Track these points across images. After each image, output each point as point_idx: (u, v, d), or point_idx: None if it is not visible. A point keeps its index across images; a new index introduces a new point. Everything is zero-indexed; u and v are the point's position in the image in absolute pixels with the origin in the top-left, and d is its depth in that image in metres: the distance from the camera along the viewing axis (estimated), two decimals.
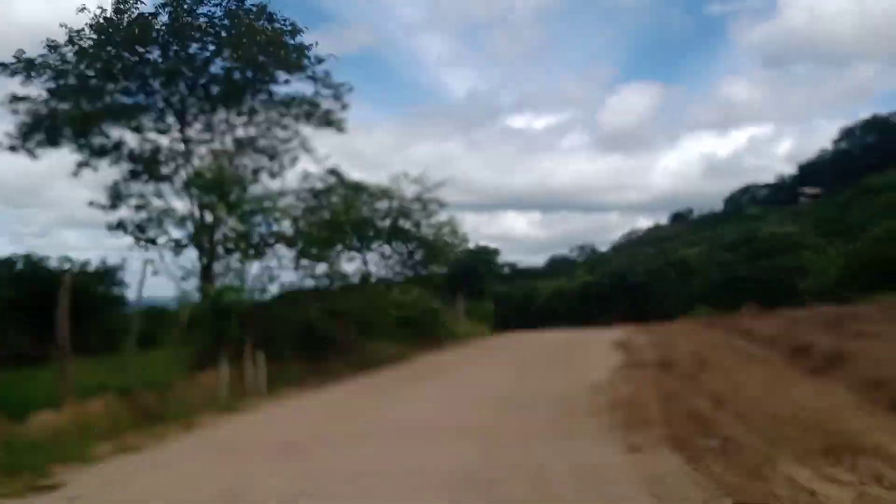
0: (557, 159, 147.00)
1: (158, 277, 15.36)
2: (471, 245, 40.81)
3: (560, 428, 8.28)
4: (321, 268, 18.78)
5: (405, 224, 25.14)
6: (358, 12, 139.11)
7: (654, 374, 13.75)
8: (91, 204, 17.71)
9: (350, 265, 24.56)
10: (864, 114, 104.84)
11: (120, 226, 17.44)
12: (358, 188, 22.94)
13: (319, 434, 8.81)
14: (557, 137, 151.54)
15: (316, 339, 16.52)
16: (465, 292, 39.65)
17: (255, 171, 18.95)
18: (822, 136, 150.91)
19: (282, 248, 17.07)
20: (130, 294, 21.66)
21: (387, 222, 24.89)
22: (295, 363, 15.49)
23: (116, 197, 17.56)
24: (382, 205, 24.45)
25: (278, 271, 16.94)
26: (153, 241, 16.91)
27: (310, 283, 18.84)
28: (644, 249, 62.37)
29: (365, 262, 25.35)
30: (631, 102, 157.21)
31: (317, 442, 8.19)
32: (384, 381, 15.60)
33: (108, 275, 23.54)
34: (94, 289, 22.22)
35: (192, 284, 15.89)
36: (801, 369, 11.47)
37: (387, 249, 25.79)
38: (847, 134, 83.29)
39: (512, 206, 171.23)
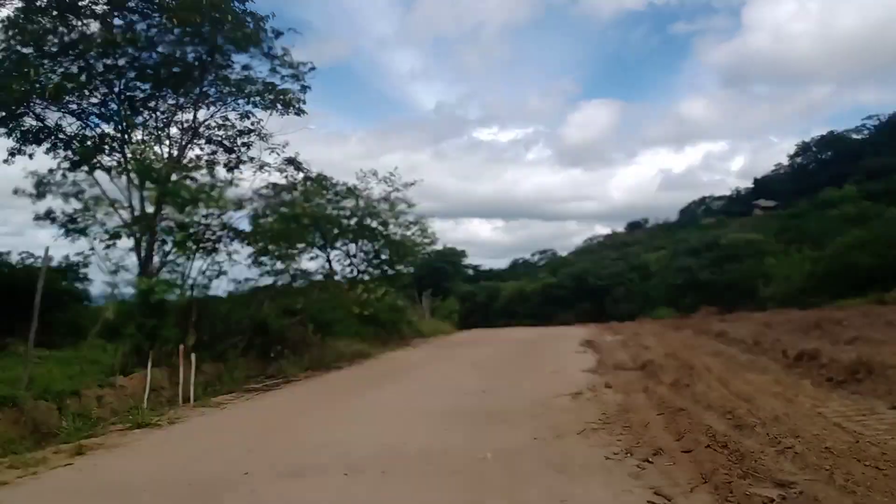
0: (521, 171, 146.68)
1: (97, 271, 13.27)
2: (438, 246, 39.05)
3: (551, 456, 6.29)
4: (281, 265, 16.68)
5: (372, 223, 23.13)
6: (332, 26, 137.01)
7: (638, 379, 11.97)
8: (16, 192, 15.30)
9: (313, 263, 22.54)
10: (816, 133, 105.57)
11: (48, 216, 15.06)
12: (320, 181, 20.83)
13: (238, 467, 6.37)
14: (521, 150, 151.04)
15: (269, 338, 14.46)
16: (431, 291, 37.79)
17: (211, 163, 16.75)
18: (773, 154, 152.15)
19: (235, 243, 14.97)
20: (95, 289, 19.53)
21: (353, 221, 22.87)
22: (243, 364, 13.41)
23: (43, 185, 15.13)
24: (348, 203, 22.42)
25: (230, 266, 14.83)
26: (83, 232, 14.54)
27: (268, 280, 16.76)
28: (606, 254, 61.12)
29: (329, 261, 23.31)
30: (592, 118, 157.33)
31: (230, 483, 5.78)
32: (340, 382, 13.52)
33: (70, 270, 21.47)
34: (59, 284, 20.20)
35: (128, 279, 13.65)
36: (814, 380, 9.70)
37: (352, 248, 23.79)
38: (804, 149, 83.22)
39: (476, 214, 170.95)
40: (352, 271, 23.58)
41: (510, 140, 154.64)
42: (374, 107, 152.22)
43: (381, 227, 22.94)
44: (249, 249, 15.35)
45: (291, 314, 15.63)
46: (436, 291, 38.26)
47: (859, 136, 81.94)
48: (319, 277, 22.49)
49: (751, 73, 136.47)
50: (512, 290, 64.50)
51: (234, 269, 15.54)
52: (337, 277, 23.53)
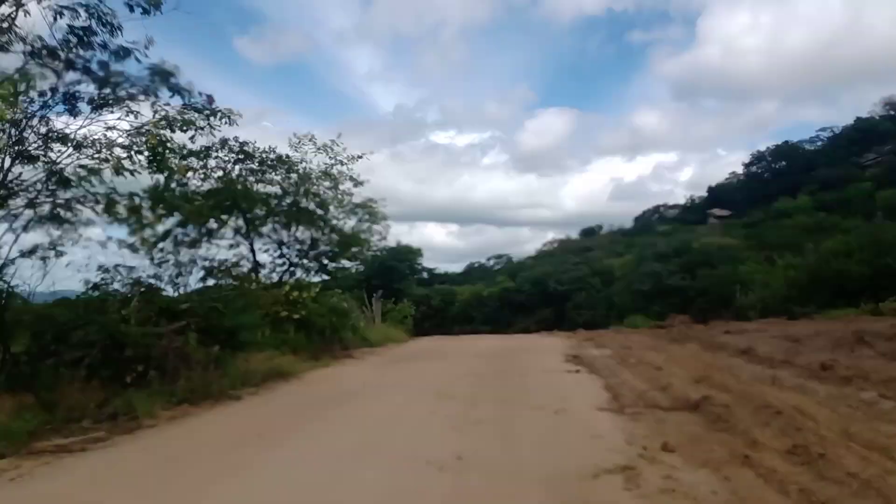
0: (477, 175, 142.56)
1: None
2: (391, 243, 34.05)
3: None
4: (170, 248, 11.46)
5: (308, 204, 17.94)
6: (290, 17, 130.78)
7: (706, 431, 7.18)
8: None
9: (231, 252, 17.29)
10: (761, 147, 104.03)
11: None
12: (228, 114, 15.57)
13: None
14: (478, 154, 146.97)
15: (128, 356, 9.20)
16: (382, 293, 32.66)
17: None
18: (721, 166, 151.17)
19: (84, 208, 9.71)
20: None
21: (284, 201, 17.68)
22: (74, 395, 8.13)
23: None
24: (277, 177, 17.21)
25: (81, 248, 9.59)
26: None
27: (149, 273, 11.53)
28: (567, 258, 56.92)
29: (252, 251, 18.03)
30: (548, 125, 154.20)
31: None
32: (212, 434, 8.00)
33: None
34: None
35: None
36: None
37: (285, 235, 18.55)
38: (758, 159, 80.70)
39: (432, 218, 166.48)
40: (284, 265, 18.37)
41: (467, 144, 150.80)
42: (332, 105, 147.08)
43: (319, 210, 17.72)
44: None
45: (172, 319, 10.38)
46: (388, 293, 33.14)
47: (812, 147, 79.82)
48: (241, 272, 17.30)
49: (701, 87, 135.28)
50: (469, 295, 59.68)
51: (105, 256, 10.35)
52: (267, 273, 18.34)
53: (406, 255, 33.05)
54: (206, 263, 15.78)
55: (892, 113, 75.64)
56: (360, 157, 17.94)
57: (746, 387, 10.03)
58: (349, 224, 19.22)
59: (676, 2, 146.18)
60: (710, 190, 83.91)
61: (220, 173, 15.75)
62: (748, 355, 14.52)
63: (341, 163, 17.63)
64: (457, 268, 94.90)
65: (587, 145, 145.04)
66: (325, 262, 18.57)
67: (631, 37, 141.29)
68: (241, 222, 16.68)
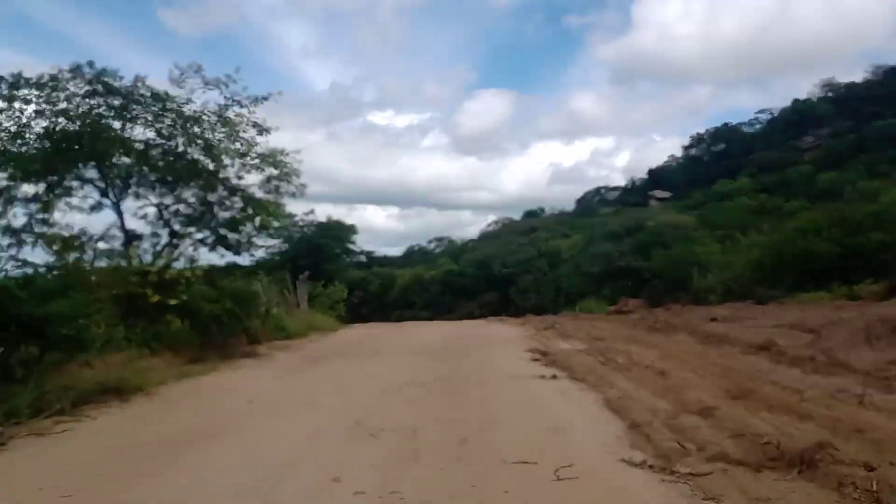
0: (417, 157, 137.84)
1: None
2: (320, 217, 29.70)
3: None
4: None
5: (193, 153, 13.40)
6: None
7: None
8: None
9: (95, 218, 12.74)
10: (697, 132, 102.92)
11: None
12: None
13: None
14: (417, 136, 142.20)
15: None
16: (309, 274, 28.30)
17: None
18: (655, 152, 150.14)
19: None
20: None
21: (160, 149, 13.14)
22: None
23: None
24: (146, 114, 12.62)
25: None
26: None
27: None
28: (512, 239, 53.47)
29: (119, 215, 13.44)
30: (487, 107, 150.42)
31: None
32: None
33: None
34: None
35: None
36: None
37: (170, 199, 14.00)
38: (697, 141, 78.99)
39: (371, 201, 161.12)
40: (165, 237, 13.86)
41: (406, 125, 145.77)
42: (263, 82, 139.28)
43: (209, 161, 13.21)
44: None
45: None
46: (316, 275, 28.77)
47: (751, 130, 78.61)
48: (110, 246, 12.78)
49: (638, 71, 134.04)
50: (409, 278, 55.70)
51: None
52: (146, 248, 13.78)
53: (337, 232, 28.70)
54: (47, 230, 11.23)
55: (831, 95, 74.79)
56: (264, 98, 13.52)
57: (839, 413, 6.32)
58: (253, 181, 14.67)
59: None
60: (651, 172, 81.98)
61: (65, 105, 11.21)
62: (770, 353, 10.94)
63: (239, 104, 13.18)
64: (397, 251, 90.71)
65: (526, 128, 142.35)
66: (224, 233, 14.09)
67: (568, 20, 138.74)
68: (97, 174, 12.16)
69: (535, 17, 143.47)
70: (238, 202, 13.87)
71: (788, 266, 28.01)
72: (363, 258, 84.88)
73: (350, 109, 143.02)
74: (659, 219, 40.19)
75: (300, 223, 28.96)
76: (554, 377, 9.54)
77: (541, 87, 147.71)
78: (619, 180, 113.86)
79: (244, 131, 13.30)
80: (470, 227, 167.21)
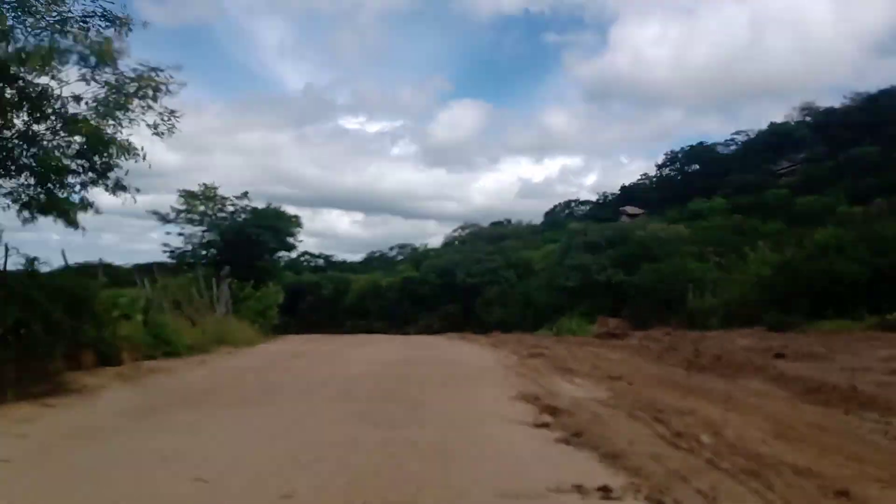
0: (385, 164, 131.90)
1: None
2: (252, 202, 24.05)
3: None
4: None
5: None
6: None
7: None
8: None
9: None
10: (668, 150, 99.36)
11: None
12: None
13: None
14: (388, 143, 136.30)
15: None
16: (231, 269, 22.75)
17: None
18: (621, 175, 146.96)
19: None
20: None
21: None
22: None
23: None
24: None
25: None
26: None
27: None
28: (479, 247, 48.36)
29: None
30: (460, 119, 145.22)
31: None
32: None
33: None
34: None
35: None
36: None
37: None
38: (671, 160, 75.11)
39: (336, 205, 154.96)
40: None
41: (377, 132, 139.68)
42: (236, 79, 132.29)
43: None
44: None
45: None
46: (246, 273, 23.13)
47: (726, 151, 75.16)
48: None
49: (611, 92, 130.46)
50: (365, 284, 50.07)
51: None
52: None
53: (275, 222, 23.10)
54: None
55: (809, 119, 71.73)
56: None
57: None
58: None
59: (591, 9, 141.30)
60: (623, 188, 77.74)
61: None
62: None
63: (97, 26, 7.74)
64: (358, 257, 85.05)
65: (497, 142, 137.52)
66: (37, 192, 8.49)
67: (546, 37, 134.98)
68: None
69: (514, 32, 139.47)
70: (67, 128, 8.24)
71: (805, 287, 23.39)
72: (321, 261, 78.93)
73: (322, 112, 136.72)
74: (650, 228, 35.35)
75: (230, 207, 23.33)
76: (607, 493, 4.23)
77: (514, 101, 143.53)
78: (589, 197, 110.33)
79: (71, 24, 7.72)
80: (435, 236, 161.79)
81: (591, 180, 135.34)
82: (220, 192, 23.75)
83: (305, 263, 78.11)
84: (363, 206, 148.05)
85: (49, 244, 30.35)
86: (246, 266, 23.48)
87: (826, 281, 22.97)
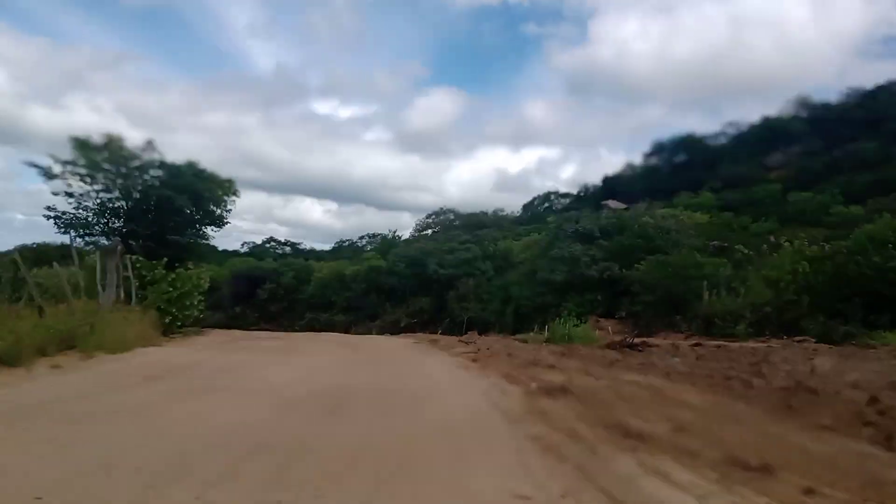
0: (358, 151, 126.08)
1: None
2: (164, 157, 18.36)
3: None
4: None
5: None
6: None
7: None
8: None
9: None
10: (641, 151, 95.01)
11: None
12: None
13: None
14: (360, 129, 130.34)
15: None
16: (141, 244, 17.27)
17: None
18: (600, 167, 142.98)
19: None
20: None
21: None
22: None
23: None
24: None
25: None
26: None
27: None
28: (454, 236, 42.96)
29: None
30: (436, 106, 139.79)
31: None
32: None
33: None
34: None
35: None
36: None
37: None
38: (658, 150, 70.77)
39: (308, 193, 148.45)
40: None
41: (349, 117, 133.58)
42: (201, 57, 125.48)
43: None
44: None
45: None
46: (158, 250, 17.52)
47: (716, 143, 71.08)
48: None
49: (592, 85, 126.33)
50: (327, 273, 44.53)
51: None
52: None
53: (195, 185, 17.26)
54: None
55: (804, 114, 67.79)
56: None
57: None
58: None
59: (569, 1, 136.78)
60: (606, 180, 73.27)
61: None
62: None
63: None
64: (327, 246, 79.24)
65: (474, 131, 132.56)
66: None
67: (525, 28, 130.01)
68: None
69: (492, 22, 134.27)
70: None
71: (857, 289, 18.59)
72: (288, 248, 72.90)
73: (292, 94, 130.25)
74: (658, 213, 30.31)
75: (134, 162, 17.72)
76: None
77: (492, 91, 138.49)
78: (568, 190, 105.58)
79: None
80: (409, 228, 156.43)
81: (568, 172, 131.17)
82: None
83: (271, 250, 72.21)
84: (336, 195, 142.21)
85: None
86: (158, 241, 17.89)
87: (879, 282, 18.23)
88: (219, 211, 19.96)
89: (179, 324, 17.96)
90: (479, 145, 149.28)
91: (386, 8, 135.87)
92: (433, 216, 42.96)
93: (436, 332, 33.07)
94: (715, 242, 28.95)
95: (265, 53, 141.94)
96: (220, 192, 20.00)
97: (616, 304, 27.73)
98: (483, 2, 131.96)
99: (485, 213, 78.87)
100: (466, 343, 18.32)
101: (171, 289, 17.38)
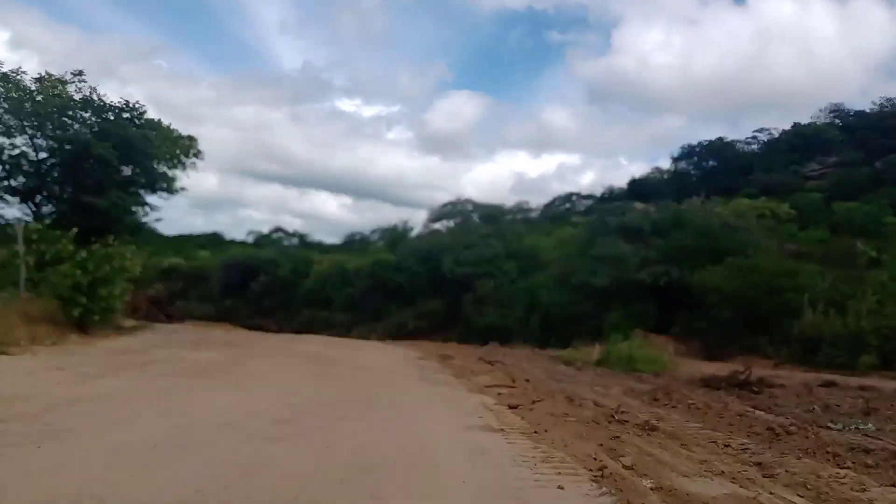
0: (379, 149, 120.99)
1: None
2: (98, 92, 12.85)
3: None
4: None
5: None
6: None
7: None
8: None
9: None
10: (662, 161, 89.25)
11: None
12: None
13: None
14: (383, 128, 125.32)
15: None
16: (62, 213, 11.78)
17: None
18: (620, 175, 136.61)
19: None
20: None
21: None
22: None
23: None
24: None
25: None
26: None
27: None
28: (474, 228, 37.33)
29: None
30: (458, 108, 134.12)
31: None
32: None
33: None
34: None
35: None
36: None
37: None
38: (688, 153, 64.61)
39: (325, 187, 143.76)
40: None
41: (373, 116, 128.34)
42: (234, 52, 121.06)
43: None
44: None
45: None
46: (73, 216, 12.02)
47: (747, 150, 64.92)
48: None
49: (613, 94, 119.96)
50: (328, 267, 38.98)
51: None
52: None
53: (133, 135, 11.90)
54: None
55: (839, 122, 61.66)
56: None
57: None
58: None
59: (594, 10, 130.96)
60: (632, 183, 66.95)
61: None
62: None
63: None
64: (337, 240, 73.90)
65: (495, 134, 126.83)
66: None
67: (549, 35, 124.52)
68: None
69: (517, 27, 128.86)
70: None
71: None
72: (295, 240, 67.51)
73: (318, 92, 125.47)
74: (734, 205, 24.52)
75: (55, 98, 12.16)
76: None
77: (514, 95, 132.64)
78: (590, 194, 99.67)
79: None
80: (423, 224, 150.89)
81: (588, 179, 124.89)
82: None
83: (277, 240, 66.83)
84: (352, 190, 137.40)
85: None
86: (73, 206, 12.44)
87: None
88: (171, 173, 14.38)
89: (97, 318, 12.49)
90: (498, 148, 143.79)
91: (413, 11, 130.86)
92: (449, 205, 37.47)
93: (447, 340, 27.40)
94: (792, 245, 23.05)
95: (293, 51, 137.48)
96: (174, 151, 14.48)
97: (669, 318, 21.97)
98: (509, 7, 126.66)
99: (502, 213, 73.02)
100: (490, 364, 12.67)
101: (79, 271, 11.88)
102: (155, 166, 13.82)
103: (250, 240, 63.06)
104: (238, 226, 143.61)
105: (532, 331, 26.37)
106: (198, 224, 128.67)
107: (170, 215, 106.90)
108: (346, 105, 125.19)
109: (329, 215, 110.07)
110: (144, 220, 14.67)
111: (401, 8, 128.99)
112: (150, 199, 14.46)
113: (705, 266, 20.37)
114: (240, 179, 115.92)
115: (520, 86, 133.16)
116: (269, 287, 40.85)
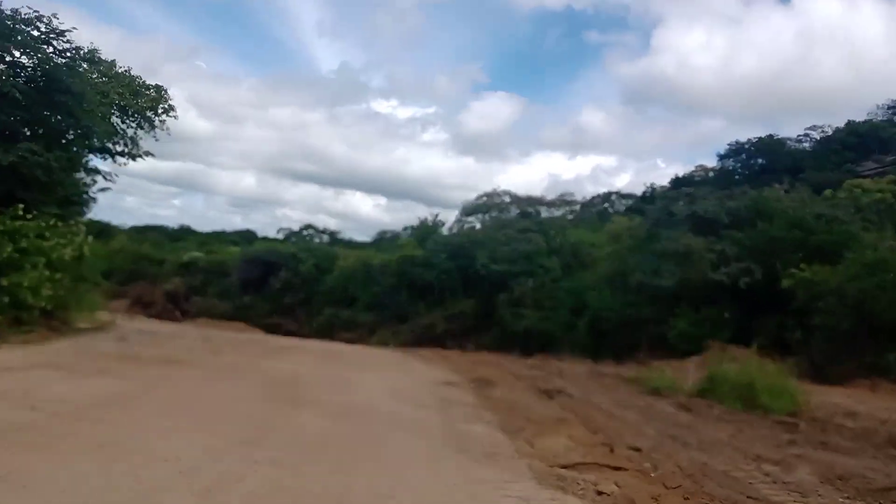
0: (414, 150, 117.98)
1: None
2: (55, 22, 9.11)
3: None
4: None
5: None
6: None
7: None
8: None
9: None
10: (699, 163, 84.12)
11: None
12: None
13: None
14: (418, 129, 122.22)
15: None
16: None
17: None
18: (657, 177, 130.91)
19: None
20: None
21: None
22: None
23: None
24: None
25: None
26: None
27: None
28: (511, 222, 33.10)
29: None
30: (493, 110, 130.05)
31: None
32: None
33: None
34: None
35: None
36: None
37: None
38: (736, 150, 59.14)
39: (360, 187, 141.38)
40: None
41: (408, 117, 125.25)
42: (272, 53, 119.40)
43: None
44: None
45: None
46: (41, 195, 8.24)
47: (798, 147, 59.23)
48: None
49: (650, 95, 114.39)
50: (352, 263, 35.09)
51: None
52: None
53: (69, 77, 8.41)
54: None
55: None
56: None
57: None
58: None
59: (635, 10, 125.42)
60: (675, 181, 61.80)
61: None
62: None
63: None
64: (369, 238, 70.36)
65: (529, 136, 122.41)
66: None
67: (588, 36, 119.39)
68: None
69: (555, 28, 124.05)
70: None
71: None
72: (326, 237, 64.19)
73: (355, 94, 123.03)
74: (848, 184, 19.95)
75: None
76: None
77: (550, 97, 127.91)
78: (618, 200, 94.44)
79: None
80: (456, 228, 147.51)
81: (624, 181, 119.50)
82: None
83: (308, 238, 63.53)
84: (387, 191, 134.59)
85: None
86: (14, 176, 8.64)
87: None
88: (123, 126, 10.53)
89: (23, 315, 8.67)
90: (533, 150, 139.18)
91: (449, 12, 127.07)
92: (484, 197, 33.18)
93: (480, 347, 23.21)
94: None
95: (331, 52, 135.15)
96: (134, 102, 10.66)
97: (748, 327, 17.46)
98: (547, 7, 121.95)
99: (537, 213, 68.49)
100: (549, 396, 8.47)
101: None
102: (110, 120, 9.94)
103: (280, 237, 59.67)
104: (274, 225, 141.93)
105: (578, 337, 22.06)
106: (235, 222, 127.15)
107: (207, 213, 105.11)
108: (382, 106, 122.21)
109: (364, 215, 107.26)
110: (94, 191, 10.84)
111: (436, 9, 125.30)
112: (103, 164, 10.58)
113: (800, 264, 15.88)
114: (277, 179, 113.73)
115: (555, 87, 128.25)
116: (290, 283, 37.11)
